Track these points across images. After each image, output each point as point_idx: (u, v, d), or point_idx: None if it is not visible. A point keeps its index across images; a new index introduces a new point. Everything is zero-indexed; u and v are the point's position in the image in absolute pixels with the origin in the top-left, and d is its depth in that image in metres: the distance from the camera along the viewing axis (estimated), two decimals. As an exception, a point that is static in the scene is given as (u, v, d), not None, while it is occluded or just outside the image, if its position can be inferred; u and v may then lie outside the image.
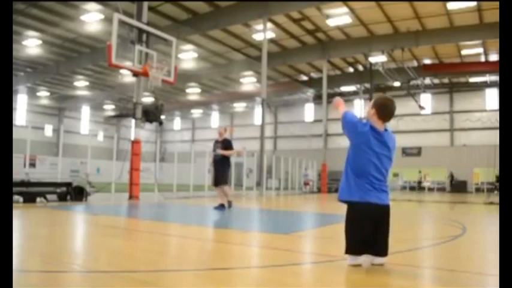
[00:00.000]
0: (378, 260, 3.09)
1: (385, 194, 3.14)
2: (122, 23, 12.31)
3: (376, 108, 3.18)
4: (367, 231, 3.02)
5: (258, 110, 37.64)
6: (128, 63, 13.46)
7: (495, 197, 16.50)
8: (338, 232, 6.57)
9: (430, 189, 31.45)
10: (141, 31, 13.08)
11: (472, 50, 25.25)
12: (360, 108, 31.78)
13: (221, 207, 9.01)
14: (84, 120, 43.53)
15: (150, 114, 13.49)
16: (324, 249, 4.71)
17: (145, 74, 12.75)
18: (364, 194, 3.04)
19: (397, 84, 29.91)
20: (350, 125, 3.21)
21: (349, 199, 3.11)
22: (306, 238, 5.63)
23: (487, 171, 26.18)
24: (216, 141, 9.38)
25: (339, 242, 5.48)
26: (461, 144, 32.21)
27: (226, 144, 9.27)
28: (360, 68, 30.63)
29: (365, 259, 3.07)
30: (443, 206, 13.79)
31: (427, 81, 32.00)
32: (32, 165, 19.39)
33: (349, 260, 3.15)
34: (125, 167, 13.43)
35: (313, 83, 33.34)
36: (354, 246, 3.09)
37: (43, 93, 37.59)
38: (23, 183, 10.08)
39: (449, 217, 8.53)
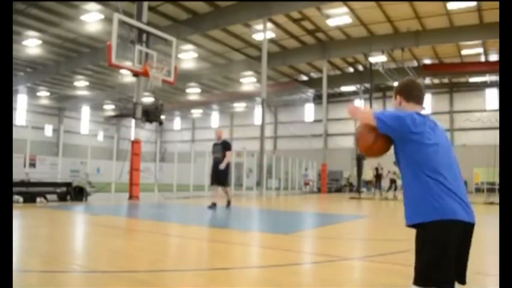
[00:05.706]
0: None
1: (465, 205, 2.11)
2: (122, 23, 12.31)
3: (399, 94, 2.52)
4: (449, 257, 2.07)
5: (258, 110, 37.64)
6: (128, 63, 13.47)
7: (495, 197, 16.49)
8: (338, 232, 6.59)
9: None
10: (141, 31, 13.07)
11: (472, 50, 25.24)
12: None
13: (214, 206, 9.11)
14: (84, 120, 43.51)
15: (150, 114, 13.50)
16: (324, 249, 4.71)
17: (146, 74, 12.75)
18: (442, 207, 2.04)
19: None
20: (393, 119, 2.19)
21: (422, 220, 2.06)
22: (306, 238, 5.63)
23: (487, 171, 26.17)
24: (215, 144, 9.44)
25: (338, 242, 5.49)
26: (461, 144, 32.20)
27: (226, 146, 9.30)
28: (360, 68, 30.62)
29: None
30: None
31: (427, 81, 32.01)
32: (32, 165, 19.38)
33: None
34: (125, 167, 13.43)
35: (313, 83, 33.33)
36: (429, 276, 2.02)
37: (43, 93, 37.59)
38: (23, 183, 10.09)
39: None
